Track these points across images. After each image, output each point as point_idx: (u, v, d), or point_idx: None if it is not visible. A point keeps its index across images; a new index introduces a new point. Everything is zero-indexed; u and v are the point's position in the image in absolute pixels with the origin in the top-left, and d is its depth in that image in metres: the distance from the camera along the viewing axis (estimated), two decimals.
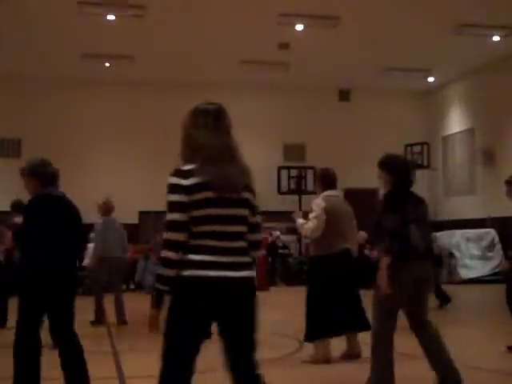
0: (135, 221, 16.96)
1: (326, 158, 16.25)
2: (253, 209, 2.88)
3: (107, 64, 15.79)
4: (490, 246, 15.43)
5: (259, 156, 17.99)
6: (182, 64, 15.91)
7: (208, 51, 14.85)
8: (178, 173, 2.76)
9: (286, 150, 18.51)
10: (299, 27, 13.41)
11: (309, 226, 5.93)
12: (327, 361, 5.90)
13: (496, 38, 14.20)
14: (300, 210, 6.49)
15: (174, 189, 2.73)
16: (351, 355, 5.97)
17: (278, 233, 16.71)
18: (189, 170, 2.74)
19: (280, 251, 16.49)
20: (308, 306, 6.02)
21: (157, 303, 2.82)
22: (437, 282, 10.02)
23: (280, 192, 17.26)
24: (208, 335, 2.96)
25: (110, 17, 12.74)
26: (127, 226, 17.40)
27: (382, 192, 4.76)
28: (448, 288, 14.49)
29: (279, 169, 17.55)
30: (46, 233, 4.17)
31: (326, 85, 17.91)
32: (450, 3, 12.20)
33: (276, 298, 13.43)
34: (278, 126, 18.07)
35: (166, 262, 2.71)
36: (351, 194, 12.24)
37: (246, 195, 2.84)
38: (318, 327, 5.93)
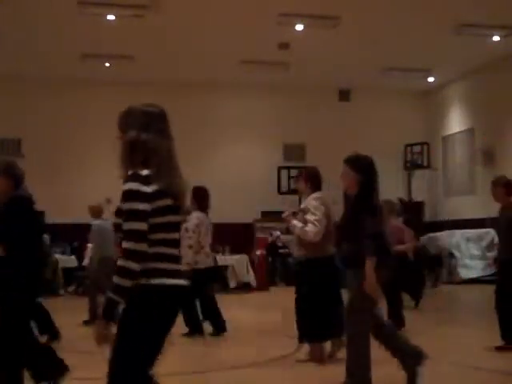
0: None
1: (325, 158, 16.25)
2: None
3: (107, 64, 15.78)
4: (490, 246, 15.41)
5: (259, 156, 18.03)
6: (182, 64, 15.91)
7: (208, 51, 14.84)
8: (138, 178, 2.66)
9: (286, 149, 18.51)
10: (299, 27, 13.40)
11: (311, 229, 5.85)
12: (322, 361, 5.94)
13: (496, 38, 14.19)
14: (296, 210, 6.36)
15: (136, 196, 2.64)
16: (332, 356, 6.04)
17: (278, 233, 16.69)
18: (148, 176, 2.67)
19: (280, 251, 16.50)
20: (305, 307, 6.02)
21: (109, 315, 2.66)
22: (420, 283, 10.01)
23: (280, 192, 17.27)
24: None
25: (110, 17, 12.73)
26: None
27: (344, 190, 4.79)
28: (448, 288, 14.53)
29: (279, 169, 17.56)
30: (26, 233, 4.22)
31: (326, 85, 17.91)
32: (449, 3, 12.20)
33: (276, 298, 13.44)
34: (278, 126, 18.06)
35: (127, 273, 2.61)
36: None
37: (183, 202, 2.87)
38: (316, 328, 5.94)
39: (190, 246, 7.56)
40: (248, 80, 17.12)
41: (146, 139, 2.77)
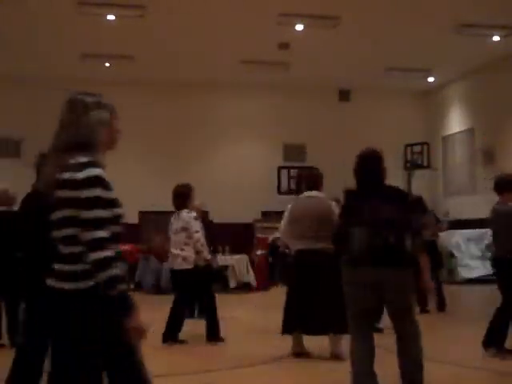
0: (135, 221, 16.95)
1: (326, 158, 16.30)
2: None
3: (107, 64, 15.78)
4: (490, 246, 15.41)
5: (259, 156, 18.03)
6: (182, 64, 15.91)
7: (208, 51, 14.84)
8: (98, 164, 2.63)
9: (286, 149, 18.51)
10: (299, 27, 13.40)
11: (279, 229, 6.54)
12: (297, 354, 6.20)
13: (496, 38, 14.19)
14: None
15: (99, 182, 2.57)
16: (332, 355, 6.10)
17: (277, 233, 16.70)
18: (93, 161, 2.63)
19: (280, 250, 16.48)
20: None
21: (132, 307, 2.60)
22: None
23: (280, 192, 17.27)
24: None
25: (110, 17, 12.73)
26: (127, 226, 17.45)
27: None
28: (448, 288, 14.51)
29: (279, 169, 17.57)
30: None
31: (326, 85, 17.91)
32: (450, 3, 12.20)
33: (276, 298, 13.42)
34: (278, 126, 18.06)
35: (110, 260, 2.54)
36: None
37: None
38: (285, 320, 6.23)
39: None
40: (248, 80, 17.12)
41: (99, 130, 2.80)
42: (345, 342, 5.87)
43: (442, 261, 15.38)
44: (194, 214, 7.42)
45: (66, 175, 2.54)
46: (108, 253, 2.50)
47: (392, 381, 4.34)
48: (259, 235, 17.00)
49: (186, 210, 7.33)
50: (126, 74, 16.48)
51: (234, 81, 17.22)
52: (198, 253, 7.24)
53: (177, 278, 7.35)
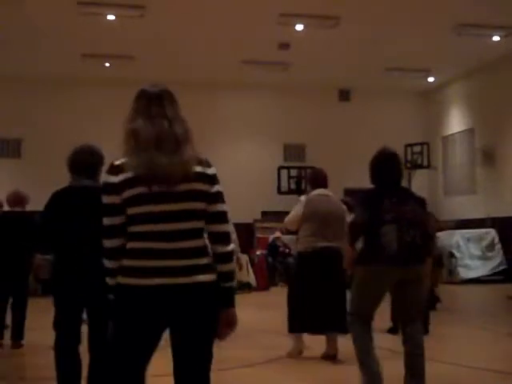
0: None
1: (326, 158, 16.27)
2: (209, 198, 2.51)
3: (107, 64, 15.79)
4: (490, 246, 15.43)
5: (259, 156, 18.04)
6: (182, 64, 15.91)
7: (208, 51, 14.85)
8: (110, 169, 2.47)
9: (286, 149, 18.52)
10: (299, 27, 13.41)
11: (287, 217, 6.34)
12: (297, 354, 6.16)
13: (496, 38, 14.20)
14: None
15: (104, 188, 2.47)
16: (328, 355, 6.07)
17: (278, 233, 16.72)
18: (119, 165, 2.44)
19: (280, 250, 16.49)
20: (289, 298, 6.29)
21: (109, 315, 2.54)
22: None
23: (280, 192, 17.27)
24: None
25: (110, 17, 12.74)
26: None
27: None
28: (448, 288, 14.53)
29: (279, 169, 17.56)
30: None
31: (326, 85, 17.91)
32: (450, 3, 12.20)
33: (276, 298, 13.43)
34: (278, 126, 18.07)
35: (106, 271, 2.50)
36: (351, 194, 12.23)
37: (193, 186, 2.46)
38: (291, 320, 6.15)
39: None
40: (248, 80, 17.12)
41: (127, 119, 2.56)
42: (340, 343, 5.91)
43: (442, 261, 15.44)
44: None
45: (199, 169, 2.51)
46: (103, 242, 2.52)
47: (394, 381, 4.33)
48: (259, 235, 17.01)
49: None
50: (126, 74, 16.47)
51: (234, 81, 17.22)
52: None
53: None
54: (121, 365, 2.48)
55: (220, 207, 2.54)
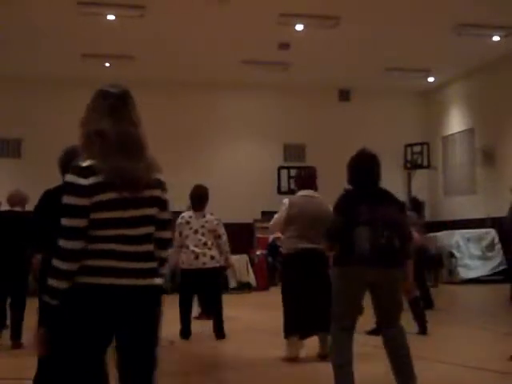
0: None
1: (326, 158, 16.28)
2: (162, 205, 2.59)
3: (107, 64, 15.78)
4: (490, 246, 15.43)
5: (259, 156, 18.03)
6: (182, 64, 15.91)
7: (208, 51, 14.84)
8: (78, 170, 2.41)
9: (286, 149, 18.52)
10: (299, 27, 13.41)
11: (271, 221, 6.41)
12: (294, 359, 6.05)
13: (496, 38, 14.20)
14: None
15: (71, 189, 2.40)
16: (320, 355, 6.08)
17: (278, 233, 16.70)
18: (88, 167, 2.40)
19: (280, 250, 16.49)
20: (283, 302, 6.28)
21: (46, 321, 2.47)
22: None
23: (280, 192, 17.25)
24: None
25: (110, 17, 12.74)
26: None
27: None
28: (448, 288, 14.53)
29: (279, 169, 17.55)
30: None
31: (326, 85, 17.91)
32: (450, 3, 12.20)
33: (276, 298, 13.42)
34: (278, 125, 18.06)
35: (58, 273, 2.40)
36: None
37: (153, 192, 2.53)
38: (286, 324, 6.12)
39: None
40: (248, 80, 17.12)
41: (91, 119, 2.52)
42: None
43: (442, 260, 15.46)
44: (217, 216, 7.90)
45: (157, 175, 2.61)
46: (62, 243, 2.52)
47: (394, 381, 4.33)
48: (259, 235, 17.01)
49: (209, 212, 7.84)
50: (126, 74, 16.43)
51: (234, 81, 17.22)
52: (221, 253, 7.71)
53: (205, 276, 7.51)
54: (77, 364, 2.45)
55: (168, 215, 2.65)
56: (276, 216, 6.30)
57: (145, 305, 2.49)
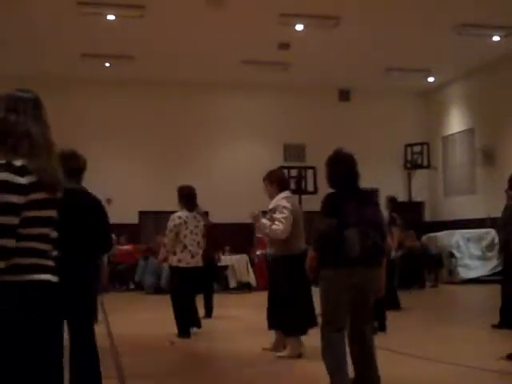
0: (135, 221, 16.96)
1: (325, 158, 16.26)
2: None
3: (107, 64, 15.78)
4: (490, 246, 15.43)
5: (259, 156, 18.01)
6: (182, 64, 15.90)
7: (208, 51, 14.84)
8: (13, 168, 2.42)
9: (286, 149, 18.51)
10: (299, 27, 13.40)
11: (279, 227, 6.10)
12: (300, 355, 6.17)
13: (496, 38, 14.20)
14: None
15: (10, 187, 2.39)
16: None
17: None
18: (22, 166, 2.43)
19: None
20: (278, 302, 6.27)
21: None
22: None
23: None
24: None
25: (110, 17, 12.73)
26: (127, 226, 17.47)
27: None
28: (448, 288, 14.54)
29: (279, 168, 17.52)
30: None
31: (326, 85, 17.91)
32: (450, 3, 12.20)
33: None
34: (278, 125, 18.06)
35: None
36: None
37: (59, 193, 2.60)
38: (294, 322, 6.18)
39: (164, 245, 7.88)
40: (248, 80, 17.12)
41: (17, 121, 2.56)
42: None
43: (442, 260, 15.46)
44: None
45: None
46: None
47: (395, 382, 4.33)
48: (259, 235, 16.98)
49: (196, 212, 7.98)
50: (126, 74, 16.49)
51: (234, 81, 17.22)
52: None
53: (199, 273, 7.89)
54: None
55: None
56: (282, 219, 6.12)
57: (58, 300, 2.56)
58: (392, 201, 9.34)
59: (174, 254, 7.66)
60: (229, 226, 16.01)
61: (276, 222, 6.12)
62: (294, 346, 6.22)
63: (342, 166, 4.56)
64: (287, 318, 6.18)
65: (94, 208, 4.40)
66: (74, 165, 4.41)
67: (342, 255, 4.27)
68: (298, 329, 6.21)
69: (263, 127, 17.99)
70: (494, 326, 7.71)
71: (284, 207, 6.18)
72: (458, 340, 7.44)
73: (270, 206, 6.37)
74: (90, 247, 4.33)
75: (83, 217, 4.24)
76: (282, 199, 6.29)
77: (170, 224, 7.69)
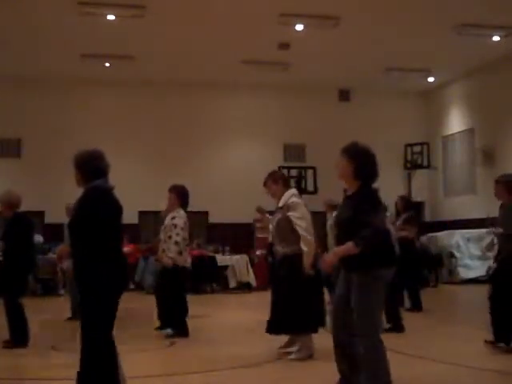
0: (135, 221, 16.96)
1: (325, 158, 16.24)
2: None
3: (107, 64, 15.78)
4: (490, 246, 15.42)
5: (259, 156, 18.01)
6: (182, 64, 15.91)
7: (208, 51, 14.84)
8: None
9: (286, 149, 18.52)
10: (299, 27, 13.40)
11: (305, 228, 6.07)
12: (311, 355, 6.14)
13: (496, 38, 14.20)
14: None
15: None
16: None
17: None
18: None
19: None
20: (290, 301, 6.13)
21: None
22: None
23: None
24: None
25: (110, 17, 12.73)
26: (127, 226, 17.46)
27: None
28: (448, 288, 14.54)
29: (279, 169, 17.53)
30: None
31: (326, 85, 17.91)
32: (450, 3, 12.20)
33: None
34: (278, 125, 18.07)
35: None
36: None
37: None
38: (308, 321, 6.13)
39: (176, 243, 7.52)
40: (248, 80, 17.13)
41: None
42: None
43: (442, 260, 15.47)
44: None
45: None
46: None
47: (394, 381, 4.33)
48: (259, 235, 16.98)
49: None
50: (126, 74, 16.49)
51: (234, 81, 17.23)
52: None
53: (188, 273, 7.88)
54: None
55: None
56: (302, 223, 6.06)
57: None
58: (404, 199, 9.81)
59: (180, 253, 7.54)
60: (229, 226, 16.03)
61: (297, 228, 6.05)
62: (307, 346, 6.12)
63: (375, 158, 4.24)
64: (300, 316, 6.08)
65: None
66: (103, 164, 4.39)
67: (394, 253, 4.15)
68: (311, 326, 6.15)
69: (263, 127, 17.99)
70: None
71: (297, 204, 6.13)
72: (459, 340, 7.44)
73: (281, 204, 6.30)
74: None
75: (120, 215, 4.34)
76: (292, 196, 6.25)
77: (180, 222, 7.52)
